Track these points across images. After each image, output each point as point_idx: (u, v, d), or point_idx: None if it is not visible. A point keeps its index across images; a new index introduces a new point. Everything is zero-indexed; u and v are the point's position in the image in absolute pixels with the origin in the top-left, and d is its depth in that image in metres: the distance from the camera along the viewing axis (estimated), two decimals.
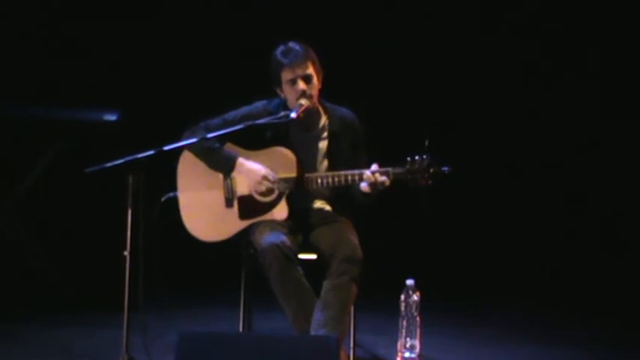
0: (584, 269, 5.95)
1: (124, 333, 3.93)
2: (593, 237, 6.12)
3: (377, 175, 3.92)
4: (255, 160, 4.12)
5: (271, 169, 4.10)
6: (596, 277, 5.90)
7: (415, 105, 6.07)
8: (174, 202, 4.18)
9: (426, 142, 3.90)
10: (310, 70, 4.07)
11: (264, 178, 4.06)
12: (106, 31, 6.08)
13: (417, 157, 3.91)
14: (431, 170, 3.90)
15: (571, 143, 6.16)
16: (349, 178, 3.99)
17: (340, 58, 5.14)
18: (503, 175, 6.15)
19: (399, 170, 3.94)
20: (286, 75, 4.06)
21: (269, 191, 4.10)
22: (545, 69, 6.14)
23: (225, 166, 4.12)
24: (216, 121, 4.15)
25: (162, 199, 4.16)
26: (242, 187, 4.14)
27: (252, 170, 4.08)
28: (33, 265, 5.58)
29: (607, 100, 6.09)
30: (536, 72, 6.16)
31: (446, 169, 3.91)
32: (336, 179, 4.01)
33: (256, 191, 4.09)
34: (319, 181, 4.04)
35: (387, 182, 3.93)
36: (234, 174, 4.13)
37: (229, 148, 4.16)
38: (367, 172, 3.94)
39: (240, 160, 4.10)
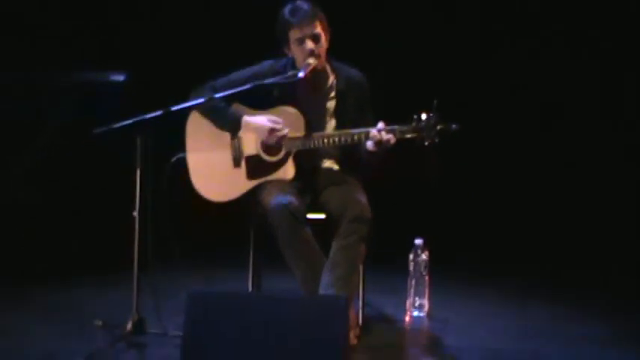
0: (594, 231, 5.94)
1: (134, 294, 3.97)
2: (605, 199, 6.09)
3: (383, 133, 3.91)
4: None
5: None
6: (607, 239, 5.89)
7: (424, 64, 6.03)
8: (183, 163, 4.19)
9: (435, 102, 3.88)
10: (318, 29, 4.06)
11: (272, 130, 4.05)
12: None
13: (423, 115, 3.90)
14: (438, 128, 3.88)
15: (584, 103, 6.11)
16: (355, 136, 3.98)
17: (347, 16, 5.10)
18: (514, 134, 6.12)
19: (405, 128, 3.92)
20: (294, 34, 4.05)
21: (276, 150, 4.10)
22: (558, 28, 6.09)
23: (231, 125, 4.13)
24: (223, 80, 4.15)
25: (173, 160, 4.17)
26: (249, 147, 4.15)
27: (259, 126, 4.08)
28: (43, 227, 5.60)
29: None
30: (548, 32, 6.10)
31: (454, 126, 3.89)
32: (343, 138, 4.01)
33: (267, 144, 4.08)
34: (326, 140, 4.04)
35: (393, 140, 3.91)
36: (242, 133, 4.13)
37: (237, 107, 4.16)
38: (373, 131, 3.93)
39: (246, 118, 4.10)
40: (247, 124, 4.10)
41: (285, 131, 4.07)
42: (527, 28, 6.07)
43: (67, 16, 5.98)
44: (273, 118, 4.09)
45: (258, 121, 4.09)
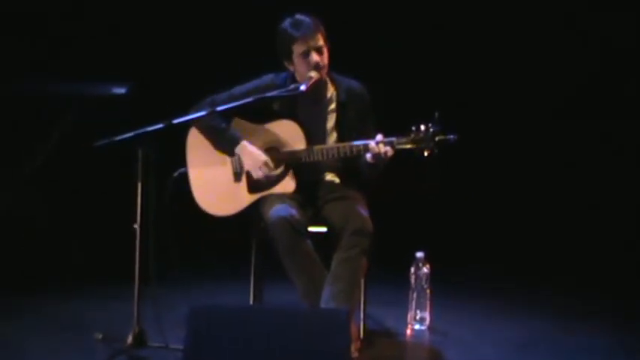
0: (598, 243, 5.93)
1: (135, 306, 3.96)
2: (610, 211, 6.08)
3: (381, 145, 3.91)
4: (263, 133, 4.12)
5: (279, 142, 4.10)
6: (611, 251, 5.88)
7: (425, 74, 6.03)
8: (185, 178, 4.20)
9: (436, 115, 3.88)
10: (321, 41, 4.07)
11: (265, 164, 4.06)
12: (117, 2, 6.05)
13: (422, 126, 3.89)
14: (436, 139, 3.87)
15: (587, 110, 6.10)
16: (354, 149, 3.98)
17: (345, 27, 5.11)
18: (514, 143, 6.11)
19: (403, 139, 3.91)
20: (299, 47, 4.06)
21: (277, 164, 4.10)
22: (556, 34, 6.08)
23: (227, 148, 4.13)
24: (223, 96, 4.14)
25: (175, 175, 4.18)
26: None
27: (254, 156, 4.08)
28: (44, 238, 5.60)
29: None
30: (550, 40, 6.10)
31: (452, 137, 3.88)
32: (342, 150, 4.00)
33: (256, 176, 4.10)
34: (326, 152, 4.03)
35: (391, 152, 3.91)
36: (224, 158, 4.15)
37: (237, 122, 4.16)
38: (372, 143, 3.93)
39: (244, 144, 4.10)
40: (243, 149, 4.10)
41: (276, 173, 4.08)
42: (530, 32, 6.08)
43: (67, 25, 5.99)
44: (268, 159, 4.08)
45: (255, 151, 4.09)
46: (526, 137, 6.14)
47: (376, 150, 3.91)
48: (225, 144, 4.13)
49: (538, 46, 6.10)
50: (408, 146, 3.91)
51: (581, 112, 6.08)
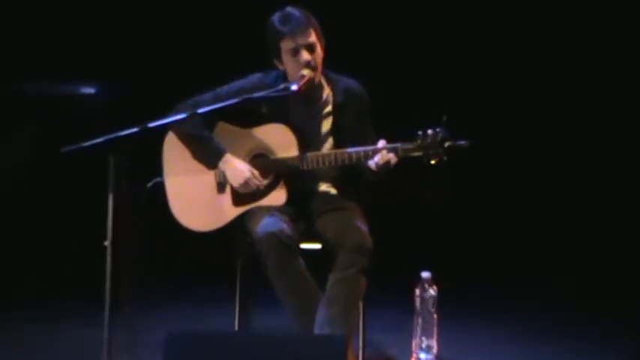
0: (610, 264, 5.96)
1: (106, 332, 3.92)
2: (626, 232, 6.11)
3: (384, 152, 3.92)
4: (250, 138, 4.13)
5: (268, 149, 4.11)
6: (622, 272, 5.93)
7: (430, 72, 6.05)
8: (161, 188, 4.19)
9: (444, 118, 3.89)
10: (313, 38, 4.06)
11: (247, 181, 4.07)
12: None
13: (429, 131, 3.90)
14: (445, 145, 3.89)
15: (604, 117, 6.14)
16: (353, 156, 3.99)
17: (341, 21, 5.12)
18: (529, 152, 6.13)
19: (409, 146, 3.93)
20: (287, 44, 4.06)
21: (266, 173, 4.10)
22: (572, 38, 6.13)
23: (209, 161, 4.13)
24: (207, 97, 4.14)
25: (149, 185, 4.18)
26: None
27: (237, 170, 4.08)
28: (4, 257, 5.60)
29: None
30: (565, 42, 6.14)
31: (463, 142, 3.89)
32: (340, 158, 4.00)
33: (242, 191, 4.11)
34: (321, 160, 4.04)
35: (394, 160, 3.92)
36: (206, 168, 4.15)
37: (222, 127, 4.16)
38: (374, 149, 3.93)
39: (227, 157, 4.10)
40: (226, 163, 4.10)
41: (264, 183, 4.09)
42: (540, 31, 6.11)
43: (32, 19, 6.00)
44: (256, 173, 4.09)
45: (239, 165, 4.09)
46: (541, 140, 6.15)
47: (378, 157, 3.92)
48: (206, 156, 4.13)
49: (550, 44, 6.13)
50: (415, 153, 3.92)
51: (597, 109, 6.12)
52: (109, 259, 3.88)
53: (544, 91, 6.17)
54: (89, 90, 5.30)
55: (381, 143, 3.94)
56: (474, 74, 6.12)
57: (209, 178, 4.17)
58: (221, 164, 4.11)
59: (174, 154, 4.19)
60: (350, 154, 3.99)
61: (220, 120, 4.16)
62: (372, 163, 3.95)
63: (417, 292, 4.46)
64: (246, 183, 4.07)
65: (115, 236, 3.90)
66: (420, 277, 4.45)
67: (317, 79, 4.12)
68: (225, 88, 4.16)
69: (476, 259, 5.99)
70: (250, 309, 4.32)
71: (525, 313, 5.38)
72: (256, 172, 4.08)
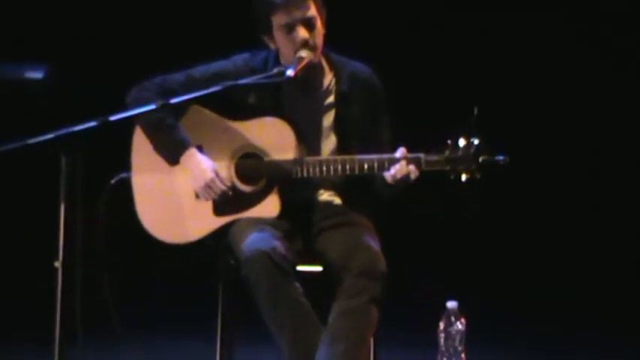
0: None
1: None
2: None
3: (403, 162, 3.91)
4: (236, 134, 4.11)
5: (259, 148, 4.09)
6: None
7: (458, 65, 6.03)
8: (127, 187, 4.17)
9: (475, 111, 3.85)
10: (312, 11, 4.05)
11: (208, 184, 4.03)
12: None
13: (461, 140, 3.90)
14: (480, 159, 3.89)
15: None
16: (365, 165, 3.98)
17: None
18: (574, 168, 6.15)
19: (434, 158, 3.93)
20: (279, 18, 4.03)
21: (256, 177, 4.08)
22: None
23: (169, 153, 4.10)
24: (178, 77, 4.13)
25: (112, 182, 4.16)
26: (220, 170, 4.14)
27: (200, 168, 4.06)
28: None
29: None
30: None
31: (502, 158, 3.89)
32: (348, 166, 4.00)
33: (204, 198, 4.11)
34: (324, 167, 4.02)
35: (415, 173, 3.92)
36: (180, 166, 4.11)
37: (196, 112, 4.13)
38: (392, 159, 3.92)
39: (192, 152, 4.07)
40: (189, 159, 4.07)
41: (248, 190, 4.08)
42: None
43: None
44: (224, 175, 4.07)
45: (205, 163, 4.06)
46: (592, 155, 6.18)
47: (396, 168, 3.90)
48: (167, 148, 4.10)
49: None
50: (441, 167, 3.93)
51: None
52: (59, 282, 3.84)
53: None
54: (36, 74, 5.27)
55: (400, 152, 3.94)
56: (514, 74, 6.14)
57: (185, 178, 4.14)
58: (183, 159, 4.08)
59: (146, 147, 4.16)
60: (361, 162, 3.99)
61: (195, 104, 4.13)
62: (387, 175, 3.94)
63: (442, 326, 4.43)
64: (207, 187, 4.05)
65: (69, 255, 3.85)
66: (445, 308, 4.41)
67: (315, 61, 4.08)
68: (200, 68, 4.16)
69: (511, 289, 5.98)
70: (234, 344, 4.30)
71: (566, 349, 5.51)
72: (224, 175, 4.06)
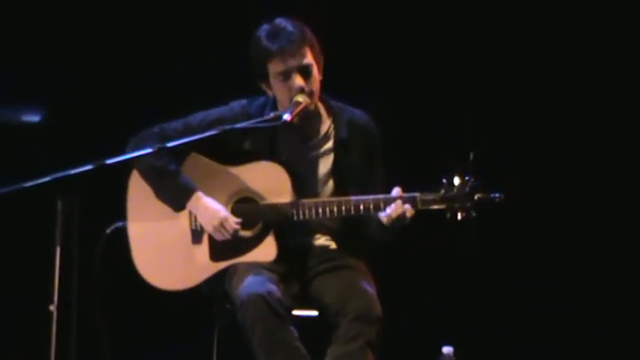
0: None
1: None
2: None
3: (399, 202, 3.93)
4: (232, 178, 4.13)
5: (255, 192, 4.12)
6: None
7: (453, 104, 6.03)
8: (123, 236, 4.18)
9: (471, 156, 3.90)
10: (309, 59, 4.09)
11: (223, 224, 4.05)
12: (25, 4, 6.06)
13: (456, 178, 3.93)
14: (476, 197, 3.92)
15: None
16: (361, 205, 4.00)
17: (345, 37, 5.09)
18: (575, 204, 6.13)
19: (430, 197, 3.96)
20: (276, 66, 4.07)
21: (252, 222, 4.10)
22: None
23: (174, 200, 4.13)
24: (176, 125, 4.17)
25: (108, 231, 4.19)
26: None
27: (210, 210, 4.08)
28: None
29: None
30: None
31: (497, 196, 3.92)
32: (344, 207, 4.02)
33: (218, 238, 4.12)
34: (320, 209, 4.04)
35: (411, 213, 3.94)
36: (185, 211, 4.14)
37: (194, 159, 4.16)
38: (388, 199, 3.94)
39: (198, 195, 4.10)
40: (197, 202, 4.08)
41: (248, 235, 4.10)
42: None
43: None
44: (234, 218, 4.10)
45: (214, 205, 4.08)
46: (593, 190, 6.17)
47: (392, 208, 3.92)
48: (172, 195, 4.13)
49: None
50: (437, 206, 3.95)
51: None
52: (54, 327, 3.83)
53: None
54: (33, 117, 5.28)
55: (396, 191, 3.98)
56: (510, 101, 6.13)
57: (182, 224, 4.18)
58: (190, 204, 4.10)
59: (141, 194, 4.19)
60: (356, 202, 4.02)
61: (193, 151, 4.16)
62: (383, 216, 3.96)
63: None
64: (221, 226, 4.05)
65: (64, 299, 3.85)
66: (440, 353, 4.41)
67: (313, 108, 4.12)
68: (198, 116, 4.20)
69: (509, 332, 5.96)
70: None
71: None
72: (230, 216, 4.08)
